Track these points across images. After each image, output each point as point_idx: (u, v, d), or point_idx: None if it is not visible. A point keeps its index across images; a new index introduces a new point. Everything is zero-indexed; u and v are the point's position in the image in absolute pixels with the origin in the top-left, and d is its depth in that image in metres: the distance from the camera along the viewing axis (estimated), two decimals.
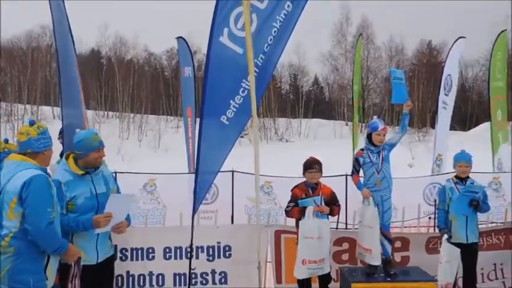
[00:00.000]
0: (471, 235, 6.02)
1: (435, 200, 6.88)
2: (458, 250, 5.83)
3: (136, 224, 9.18)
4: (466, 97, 53.19)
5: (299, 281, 5.97)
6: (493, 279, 6.68)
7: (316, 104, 60.79)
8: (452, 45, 12.84)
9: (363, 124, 28.47)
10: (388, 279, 5.87)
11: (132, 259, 6.21)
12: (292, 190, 6.06)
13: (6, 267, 3.80)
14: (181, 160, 13.09)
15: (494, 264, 6.68)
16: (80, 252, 4.31)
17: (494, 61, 12.46)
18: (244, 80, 5.71)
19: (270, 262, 6.61)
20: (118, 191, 4.90)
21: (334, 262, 6.37)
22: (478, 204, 5.95)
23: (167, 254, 6.28)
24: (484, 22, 78.45)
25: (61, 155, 5.75)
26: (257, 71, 5.74)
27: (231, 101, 5.68)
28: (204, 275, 6.31)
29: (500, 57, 12.49)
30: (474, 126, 46.19)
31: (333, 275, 6.28)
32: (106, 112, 54.41)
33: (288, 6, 5.77)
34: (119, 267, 6.07)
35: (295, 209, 5.88)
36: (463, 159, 6.20)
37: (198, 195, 5.70)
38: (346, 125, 48.13)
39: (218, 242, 6.37)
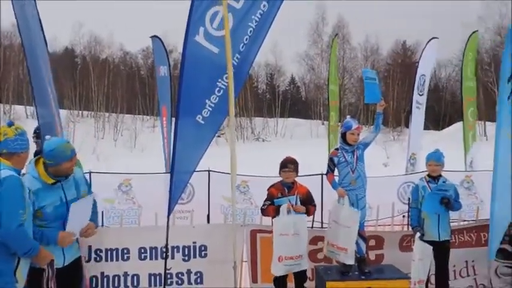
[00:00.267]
0: (443, 233, 6.10)
1: (409, 199, 6.96)
2: (431, 248, 5.91)
3: (111, 224, 9.13)
4: (439, 97, 54.01)
5: (275, 280, 6.00)
6: (464, 276, 6.79)
7: (293, 103, 61.04)
8: (425, 46, 13.01)
9: (339, 124, 28.63)
10: (363, 277, 5.92)
11: (106, 260, 6.16)
12: (268, 189, 6.08)
13: None
14: (158, 160, 13.01)
15: (466, 261, 6.78)
16: (52, 255, 4.25)
17: (466, 61, 12.66)
18: (220, 80, 5.70)
19: (245, 261, 6.61)
20: (89, 192, 4.84)
21: (310, 261, 6.38)
22: (449, 202, 6.04)
23: (142, 255, 6.24)
24: (457, 23, 79.74)
25: (35, 155, 5.66)
26: (233, 70, 5.74)
27: (207, 101, 5.66)
28: (179, 275, 6.29)
29: (471, 57, 12.70)
30: (447, 126, 46.93)
31: (308, 274, 6.30)
32: (81, 111, 53.80)
33: (264, 6, 5.77)
34: (93, 268, 6.03)
35: (271, 208, 5.90)
36: (433, 159, 6.28)
37: (174, 195, 5.67)
38: (323, 124, 48.37)
39: (194, 242, 6.36)
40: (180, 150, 5.56)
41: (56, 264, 4.37)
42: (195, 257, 6.34)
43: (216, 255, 6.29)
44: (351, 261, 5.93)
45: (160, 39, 12.87)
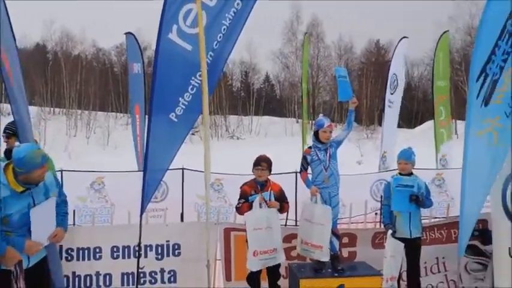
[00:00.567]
0: (414, 230, 6.17)
1: (381, 196, 7.03)
2: (402, 245, 5.99)
3: (83, 223, 9.01)
4: (412, 95, 54.69)
5: (248, 278, 6.01)
6: (435, 273, 6.89)
7: (267, 101, 61.15)
8: (396, 45, 13.15)
9: (312, 122, 28.81)
10: (336, 274, 5.96)
11: (78, 259, 6.08)
12: (241, 187, 6.08)
13: None
14: (131, 158, 12.88)
15: (437, 258, 6.88)
16: (19, 255, 4.16)
17: (437, 61, 12.86)
18: (193, 77, 5.66)
19: (219, 260, 6.60)
20: (61, 192, 4.77)
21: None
22: (418, 198, 6.12)
23: (115, 254, 6.18)
24: (429, 22, 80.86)
25: (5, 153, 5.55)
26: (207, 68, 5.71)
27: (180, 98, 5.62)
28: (152, 274, 6.25)
29: (442, 57, 12.90)
30: (420, 124, 47.56)
31: (282, 272, 6.33)
32: (52, 108, 52.90)
33: (238, 4, 5.76)
34: (64, 268, 5.94)
35: (246, 205, 5.90)
36: (403, 157, 6.34)
37: (147, 194, 5.62)
38: (297, 122, 48.61)
39: (167, 241, 6.33)
40: (153, 148, 5.51)
41: None
42: (168, 255, 6.31)
43: (189, 254, 6.26)
44: (326, 258, 5.97)
45: (134, 36, 12.74)
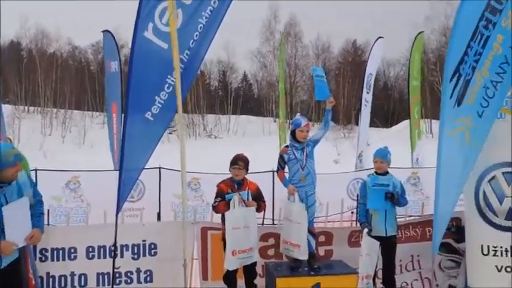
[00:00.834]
0: (390, 228, 6.22)
1: (357, 195, 7.09)
2: (378, 243, 6.04)
3: (58, 223, 8.90)
4: (388, 95, 55.30)
5: (224, 277, 6.01)
6: (410, 270, 6.96)
7: (245, 100, 61.18)
8: (373, 45, 13.28)
9: (290, 121, 28.93)
10: (312, 273, 5.99)
11: (52, 259, 6.00)
12: (217, 185, 6.07)
13: None
14: (107, 157, 12.76)
15: (412, 255, 6.95)
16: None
17: (413, 61, 12.99)
18: (169, 76, 5.62)
19: (196, 259, 6.58)
20: (36, 192, 4.71)
21: (260, 257, 6.42)
22: (393, 196, 6.18)
23: (90, 254, 6.11)
24: (405, 23, 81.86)
25: None
26: (182, 66, 5.68)
27: (156, 97, 5.58)
28: (128, 274, 6.20)
29: (417, 57, 13.05)
30: (396, 123, 48.06)
31: (259, 270, 6.33)
32: (27, 107, 52.10)
33: (214, 2, 5.74)
34: (39, 269, 5.85)
35: (222, 203, 5.89)
36: (378, 156, 6.41)
37: (122, 193, 5.57)
38: (275, 121, 48.65)
39: (144, 240, 6.28)
40: (129, 147, 5.46)
41: None
42: (144, 255, 6.27)
43: (166, 254, 6.23)
44: (304, 256, 6.00)
45: (111, 34, 12.62)
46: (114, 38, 12.57)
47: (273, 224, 8.08)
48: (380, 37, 13.16)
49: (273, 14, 56.39)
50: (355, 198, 8.94)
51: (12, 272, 4.45)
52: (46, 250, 5.97)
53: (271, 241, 6.63)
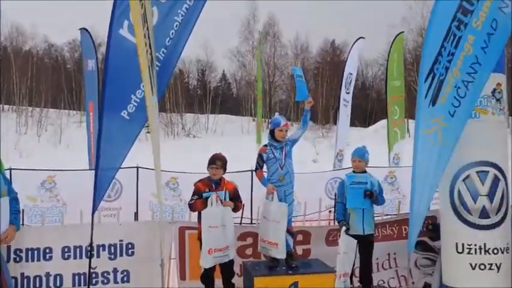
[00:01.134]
0: (367, 227, 6.28)
1: (335, 194, 7.14)
2: (355, 241, 6.09)
3: (33, 223, 8.78)
4: (366, 95, 55.74)
5: (202, 277, 5.99)
6: (387, 268, 7.03)
7: (224, 99, 61.07)
8: (352, 45, 13.37)
9: (268, 120, 28.97)
10: (290, 271, 6.02)
11: (27, 260, 5.89)
12: (195, 184, 6.05)
13: None
14: (85, 156, 12.64)
15: (388, 254, 7.02)
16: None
17: (392, 61, 13.08)
18: None
19: (174, 259, 6.55)
20: (10, 189, 4.64)
21: (238, 257, 6.43)
22: (372, 194, 6.23)
23: (66, 254, 6.02)
24: (383, 23, 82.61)
25: None
26: (159, 65, 5.64)
27: (132, 96, 5.53)
28: (105, 274, 6.13)
29: (397, 57, 13.14)
30: (374, 123, 48.48)
31: (237, 270, 6.33)
32: (1, 105, 51.21)
33: (190, 0, 5.73)
34: (13, 269, 5.76)
35: (199, 201, 5.87)
36: (356, 155, 6.47)
37: (98, 192, 5.51)
38: (253, 120, 48.69)
39: (120, 240, 6.22)
40: (105, 146, 5.39)
41: None
42: (121, 255, 6.21)
43: (143, 253, 6.18)
44: (282, 255, 6.02)
45: (88, 31, 12.49)
46: (91, 36, 12.46)
47: (251, 223, 8.09)
48: (361, 37, 13.26)
49: (251, 13, 56.39)
50: (333, 197, 9.00)
51: None
52: (21, 250, 5.87)
53: (249, 240, 6.64)
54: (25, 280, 5.88)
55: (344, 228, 6.15)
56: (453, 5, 5.08)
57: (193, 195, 5.98)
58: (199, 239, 5.88)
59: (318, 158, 28.96)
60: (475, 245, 5.43)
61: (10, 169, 8.64)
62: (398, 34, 13.55)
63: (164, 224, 6.01)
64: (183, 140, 46.21)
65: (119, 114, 5.49)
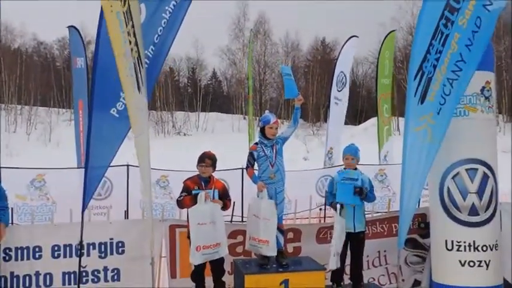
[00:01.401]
0: (358, 224, 6.29)
1: (326, 192, 7.16)
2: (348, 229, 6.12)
3: (22, 222, 8.73)
4: (356, 93, 55.78)
5: (192, 275, 5.98)
6: (377, 266, 7.07)
7: (214, 97, 60.96)
8: (344, 43, 13.38)
9: (259, 118, 28.96)
10: (281, 269, 6.01)
11: (16, 259, 5.87)
12: (184, 182, 6.04)
13: None
14: (74, 154, 12.58)
15: (379, 251, 7.06)
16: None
17: (383, 59, 13.11)
18: None
19: (164, 257, 6.54)
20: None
21: (229, 255, 6.42)
22: (362, 190, 6.24)
23: (56, 253, 6.00)
24: (372, 22, 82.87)
25: None
26: (148, 62, 5.63)
27: (121, 94, 5.48)
28: (95, 273, 6.12)
29: (388, 55, 13.18)
30: (364, 121, 48.61)
31: (227, 268, 6.33)
32: None
33: None
34: (2, 268, 5.73)
35: (187, 198, 5.86)
36: (349, 153, 6.48)
37: (88, 190, 5.48)
38: (244, 118, 48.67)
39: (111, 238, 6.21)
40: (94, 144, 5.36)
41: None
42: (111, 253, 6.19)
43: (134, 252, 6.17)
44: (272, 252, 6.01)
45: (77, 29, 12.43)
46: (80, 33, 12.40)
47: (242, 221, 8.10)
48: (354, 36, 13.28)
49: (242, 11, 56.30)
50: (324, 195, 9.04)
51: None
52: (10, 249, 5.84)
53: (240, 238, 6.64)
54: (15, 279, 5.85)
55: (338, 206, 6.14)
56: (441, 3, 5.11)
57: (182, 192, 5.97)
58: (189, 237, 5.87)
59: (309, 156, 29.03)
60: (465, 242, 5.46)
61: None
62: (390, 32, 13.58)
63: (155, 222, 5.99)
64: (174, 138, 46.10)
65: (108, 112, 5.47)
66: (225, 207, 6.05)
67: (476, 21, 5.10)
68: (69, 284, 6.00)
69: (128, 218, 8.84)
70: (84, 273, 5.97)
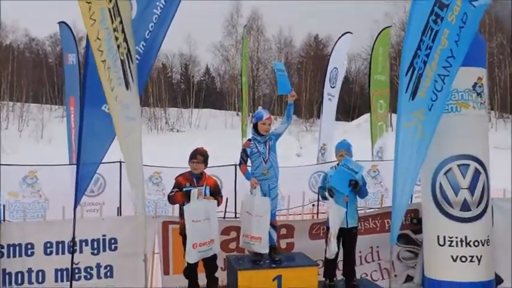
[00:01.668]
0: (351, 220, 6.29)
1: (319, 188, 7.17)
2: (344, 209, 6.11)
3: (14, 219, 8.69)
4: (349, 89, 55.84)
5: (185, 271, 5.98)
6: (370, 261, 7.09)
7: (207, 94, 60.86)
8: (338, 40, 13.36)
9: (252, 114, 28.96)
10: (274, 265, 6.02)
11: (8, 256, 5.85)
12: (176, 178, 6.03)
13: None
14: (66, 151, 12.53)
15: (371, 247, 7.08)
16: None
17: (376, 56, 13.07)
18: None
19: (157, 254, 6.53)
20: None
21: (222, 251, 6.42)
22: (357, 184, 6.24)
23: (48, 249, 5.99)
24: (365, 18, 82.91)
25: None
26: (139, 58, 5.61)
27: None
28: (88, 269, 6.10)
29: (382, 52, 13.16)
30: (357, 117, 48.71)
31: (220, 264, 6.34)
32: None
33: None
34: None
35: (179, 194, 5.85)
36: (342, 148, 6.47)
37: (80, 187, 5.45)
38: (237, 115, 48.65)
39: (103, 235, 6.19)
40: (86, 140, 5.33)
41: None
42: (104, 250, 6.18)
43: (126, 248, 6.16)
44: (265, 249, 6.01)
45: (68, 25, 12.35)
46: (71, 30, 12.33)
47: (235, 217, 8.10)
48: (348, 32, 13.25)
49: (235, 7, 56.20)
50: (317, 191, 9.05)
51: None
52: (2, 246, 5.82)
53: (233, 234, 6.64)
54: (7, 276, 5.84)
55: (332, 200, 6.13)
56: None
57: (173, 188, 5.97)
58: (181, 233, 5.87)
59: (302, 152, 29.08)
60: (456, 237, 5.50)
61: None
62: (384, 29, 13.56)
63: (148, 219, 5.98)
64: (167, 134, 46.05)
65: (100, 108, 5.43)
66: (216, 204, 6.04)
67: (463, 17, 5.12)
68: (62, 280, 5.99)
69: (120, 214, 8.83)
70: (76, 270, 5.96)
